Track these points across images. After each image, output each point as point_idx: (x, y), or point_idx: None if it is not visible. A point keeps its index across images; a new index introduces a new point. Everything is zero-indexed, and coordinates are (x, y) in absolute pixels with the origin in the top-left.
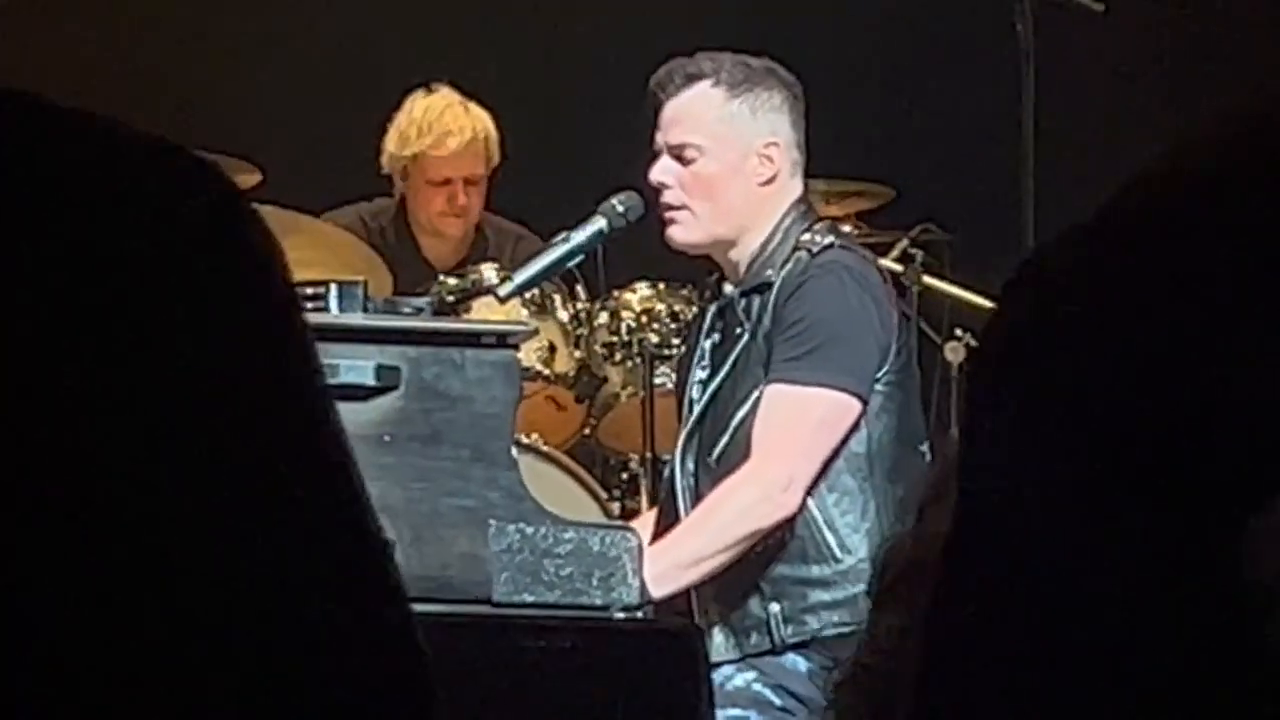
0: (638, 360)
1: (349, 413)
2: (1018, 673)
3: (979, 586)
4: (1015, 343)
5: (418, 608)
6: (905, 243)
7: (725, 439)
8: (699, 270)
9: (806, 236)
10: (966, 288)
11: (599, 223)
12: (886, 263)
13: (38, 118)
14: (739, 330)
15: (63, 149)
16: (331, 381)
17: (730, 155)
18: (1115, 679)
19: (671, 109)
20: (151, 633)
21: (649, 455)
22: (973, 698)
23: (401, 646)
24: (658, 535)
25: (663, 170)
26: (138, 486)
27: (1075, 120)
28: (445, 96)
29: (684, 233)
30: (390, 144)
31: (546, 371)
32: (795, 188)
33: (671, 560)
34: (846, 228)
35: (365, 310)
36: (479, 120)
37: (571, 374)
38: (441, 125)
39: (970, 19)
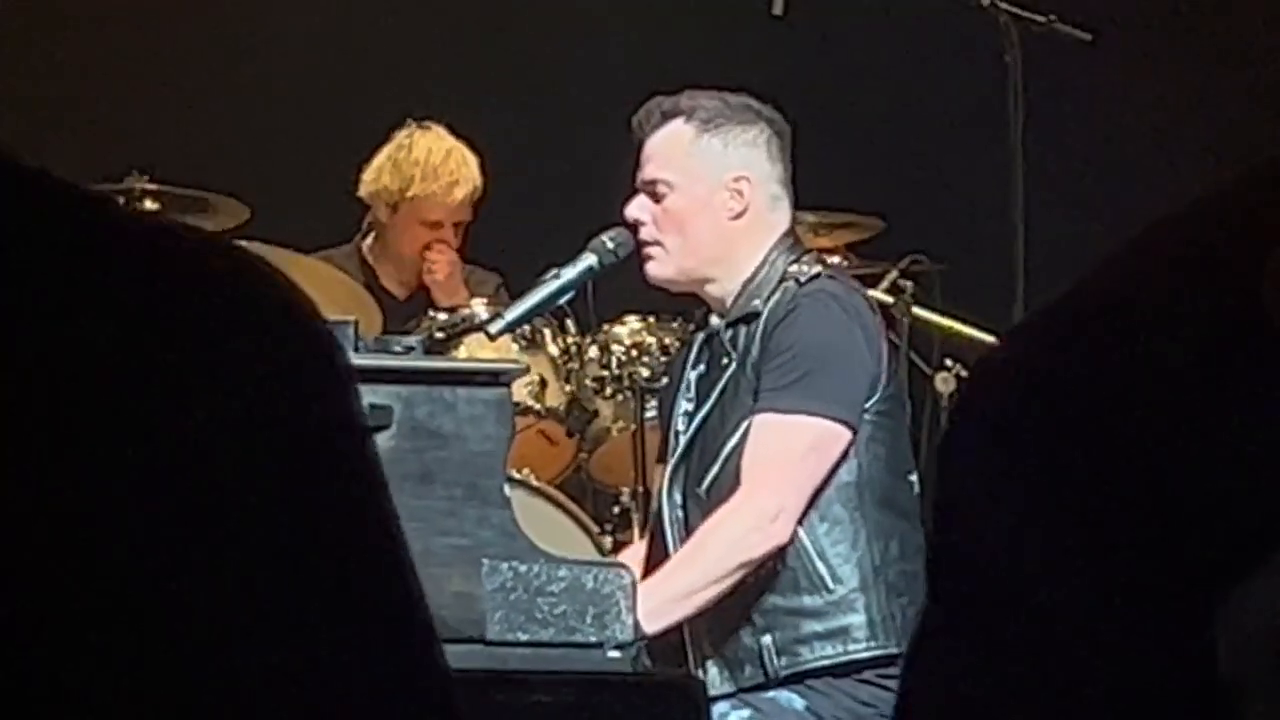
0: (628, 394)
1: None
2: None
3: (959, 654)
4: (1000, 423)
5: None
6: (895, 274)
7: (715, 470)
8: (689, 303)
9: (794, 267)
10: (956, 319)
11: (589, 259)
12: (876, 294)
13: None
14: (725, 360)
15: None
16: None
17: (698, 189)
18: None
19: (648, 146)
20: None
21: (640, 488)
22: None
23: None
24: (648, 568)
25: (637, 207)
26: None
27: (1064, 150)
28: (443, 138)
29: (658, 269)
30: (384, 176)
31: (537, 406)
32: (777, 222)
33: (664, 595)
34: (836, 259)
35: (356, 350)
36: (475, 165)
37: (562, 408)
38: (448, 171)
39: (959, 50)
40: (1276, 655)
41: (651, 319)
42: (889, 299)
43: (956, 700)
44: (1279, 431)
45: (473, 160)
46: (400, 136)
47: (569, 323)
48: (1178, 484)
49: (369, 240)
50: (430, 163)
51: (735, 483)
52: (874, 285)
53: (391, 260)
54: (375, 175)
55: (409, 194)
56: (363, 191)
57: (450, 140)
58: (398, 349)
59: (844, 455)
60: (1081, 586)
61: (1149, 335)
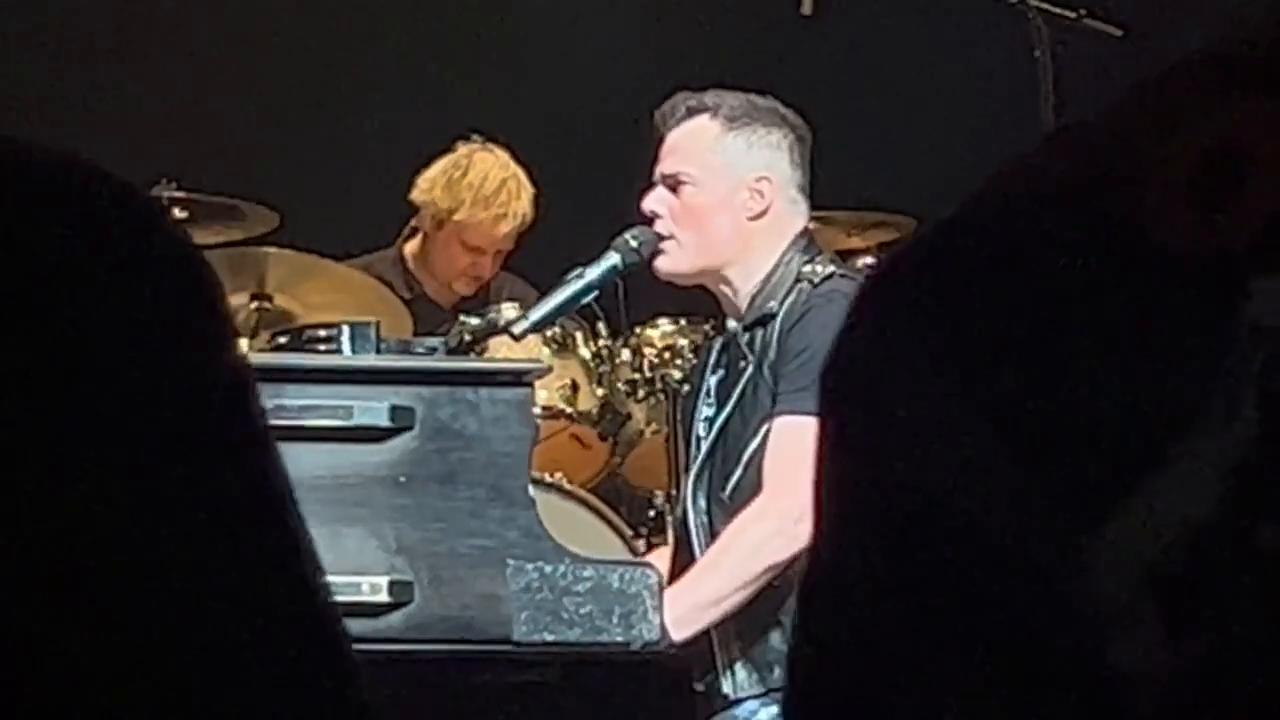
0: (661, 397)
1: (364, 454)
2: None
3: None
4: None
5: (440, 648)
6: None
7: (738, 474)
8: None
9: (808, 268)
10: None
11: (612, 258)
12: None
13: None
14: (743, 364)
15: None
16: (346, 423)
17: (720, 187)
18: (964, 664)
19: (670, 139)
20: (68, 658)
21: (675, 492)
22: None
23: (335, 683)
24: (674, 575)
25: (656, 199)
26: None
27: None
28: (503, 165)
29: (670, 262)
30: (436, 190)
31: (569, 410)
32: (794, 226)
33: (691, 602)
34: (869, 259)
35: (378, 351)
36: (527, 198)
37: (595, 412)
38: (499, 203)
39: (989, 46)
40: (1142, 584)
41: (683, 321)
42: None
43: (858, 594)
44: (1159, 353)
45: (527, 192)
46: (460, 154)
47: (600, 326)
48: (1067, 398)
49: (413, 243)
50: (483, 191)
51: (758, 486)
52: None
53: (429, 270)
54: (429, 186)
55: (456, 217)
56: (415, 196)
57: (509, 169)
58: (420, 350)
59: None
60: (975, 484)
61: (1036, 254)
